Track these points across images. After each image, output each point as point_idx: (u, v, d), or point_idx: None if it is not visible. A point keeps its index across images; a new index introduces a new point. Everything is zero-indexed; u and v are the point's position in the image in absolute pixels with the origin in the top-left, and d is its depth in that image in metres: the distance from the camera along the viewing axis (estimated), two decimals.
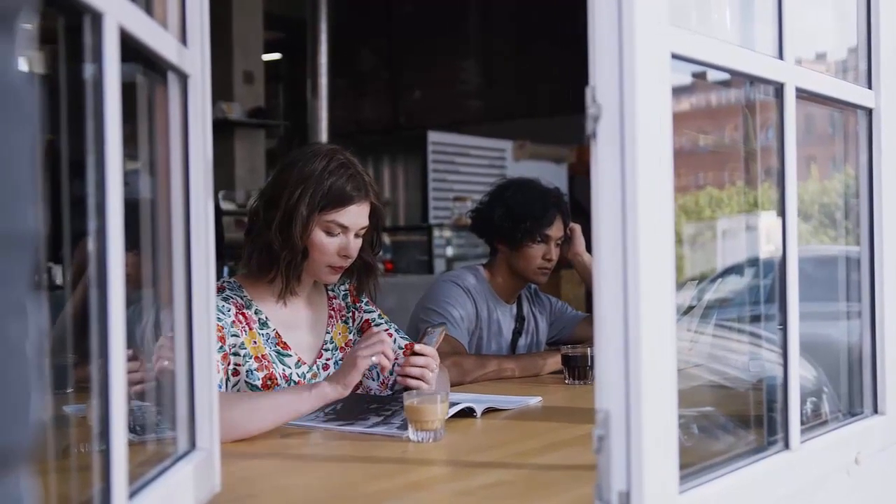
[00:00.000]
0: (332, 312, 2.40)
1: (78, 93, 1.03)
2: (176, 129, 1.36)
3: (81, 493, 1.20)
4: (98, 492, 1.02)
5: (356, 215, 2.22)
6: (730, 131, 2.02)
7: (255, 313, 2.23)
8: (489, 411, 2.19)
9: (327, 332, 2.36)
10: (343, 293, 2.44)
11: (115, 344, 1.02)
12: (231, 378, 2.13)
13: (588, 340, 2.95)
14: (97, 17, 1.00)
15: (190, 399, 1.37)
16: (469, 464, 1.76)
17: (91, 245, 1.02)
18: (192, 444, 1.37)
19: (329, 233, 2.20)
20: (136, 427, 1.39)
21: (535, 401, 2.36)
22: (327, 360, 2.33)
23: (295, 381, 2.23)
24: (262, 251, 2.22)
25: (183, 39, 1.35)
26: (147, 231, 1.36)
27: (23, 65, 0.58)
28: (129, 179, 1.11)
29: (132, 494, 1.10)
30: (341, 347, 2.37)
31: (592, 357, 2.64)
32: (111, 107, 1.02)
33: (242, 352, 2.16)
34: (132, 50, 1.12)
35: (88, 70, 1.02)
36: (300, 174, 2.19)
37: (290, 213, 2.17)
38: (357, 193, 2.22)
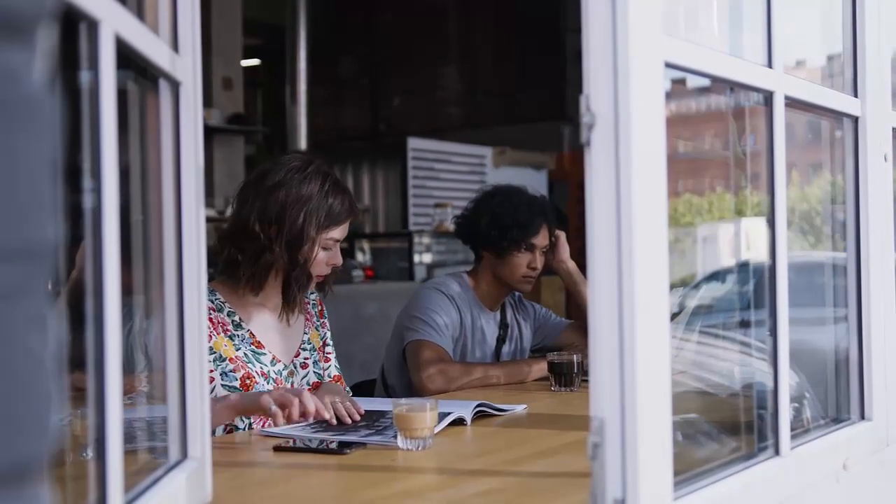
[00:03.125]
0: (308, 315, 2.49)
1: (73, 100, 1.02)
2: (167, 136, 1.35)
3: (71, 502, 1.19)
4: (93, 501, 1.02)
5: (347, 228, 2.36)
6: (709, 138, 2.03)
7: (228, 315, 2.30)
8: (479, 417, 2.20)
9: (305, 333, 2.45)
10: (312, 302, 2.53)
11: (111, 354, 1.01)
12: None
13: (572, 347, 2.96)
14: (93, 25, 0.99)
15: (182, 408, 1.36)
16: (459, 472, 1.75)
17: (87, 252, 1.01)
18: (184, 454, 1.37)
19: (325, 248, 2.32)
20: (125, 435, 1.38)
21: (521, 408, 2.36)
22: (305, 358, 2.42)
23: (273, 379, 2.30)
24: (265, 270, 2.28)
25: (175, 46, 1.35)
26: (137, 239, 1.35)
27: (42, 74, 0.58)
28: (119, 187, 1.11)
29: None
30: (319, 348, 2.47)
31: (578, 364, 2.66)
32: (107, 114, 1.01)
33: (212, 356, 2.20)
34: (124, 57, 1.12)
35: (84, 77, 1.02)
36: (298, 195, 2.26)
37: (298, 236, 2.25)
38: (353, 210, 2.35)
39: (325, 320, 2.54)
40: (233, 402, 2.03)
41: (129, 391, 1.49)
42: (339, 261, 2.36)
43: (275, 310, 2.37)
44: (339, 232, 2.33)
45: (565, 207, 7.52)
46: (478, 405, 2.21)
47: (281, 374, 2.33)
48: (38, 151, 0.56)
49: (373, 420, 2.15)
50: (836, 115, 1.84)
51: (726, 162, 1.92)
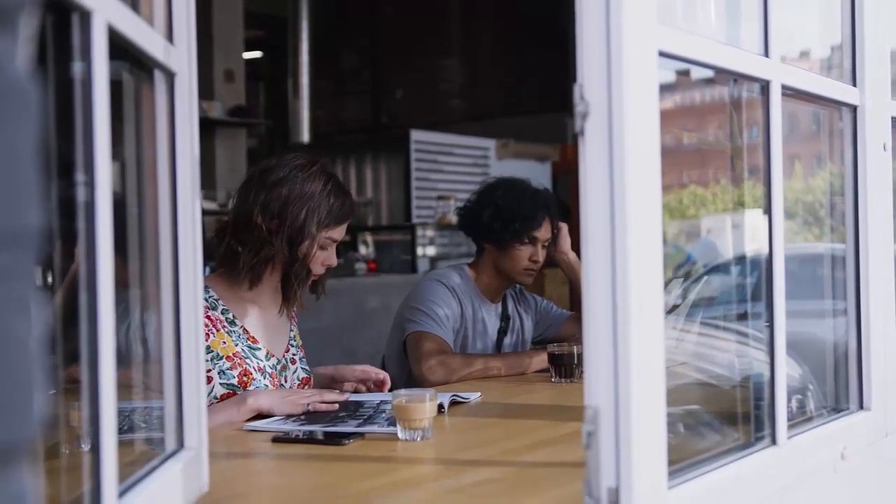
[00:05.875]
0: (293, 313, 2.52)
1: (65, 91, 1.02)
2: (163, 127, 1.35)
3: (69, 493, 1.19)
4: (87, 491, 1.02)
5: (344, 230, 2.40)
6: (713, 129, 2.02)
7: (222, 313, 2.32)
8: (454, 404, 2.26)
9: (291, 330, 2.49)
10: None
11: (105, 345, 1.01)
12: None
13: (573, 339, 2.96)
14: (86, 15, 0.99)
15: (178, 398, 1.37)
16: (458, 462, 1.76)
17: (79, 246, 1.01)
18: (181, 444, 1.37)
19: (322, 247, 2.34)
20: (123, 426, 1.38)
21: (475, 396, 2.41)
22: (293, 354, 2.47)
23: (269, 374, 2.33)
24: (264, 263, 2.30)
25: (170, 37, 1.35)
26: (133, 231, 1.35)
27: (24, 61, 0.58)
28: (114, 179, 1.11)
29: (121, 494, 1.10)
30: (301, 346, 2.52)
31: (579, 355, 2.66)
32: (100, 105, 1.01)
33: (209, 355, 2.23)
34: (118, 48, 1.12)
35: (76, 68, 1.02)
36: (301, 192, 2.29)
37: (299, 232, 2.28)
38: (353, 211, 2.39)
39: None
40: (255, 407, 2.13)
41: (128, 384, 1.49)
42: (334, 262, 2.40)
43: (266, 307, 2.41)
44: (337, 232, 2.36)
45: (569, 199, 7.52)
46: (452, 400, 2.26)
47: (275, 368, 2.37)
48: (21, 139, 0.56)
49: (353, 410, 2.16)
50: (835, 105, 1.84)
51: (731, 153, 1.92)
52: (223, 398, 2.22)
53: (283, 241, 2.28)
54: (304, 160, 2.36)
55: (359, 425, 2.00)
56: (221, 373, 2.24)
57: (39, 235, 0.59)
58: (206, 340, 2.22)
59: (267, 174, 2.32)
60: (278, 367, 2.38)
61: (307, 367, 2.50)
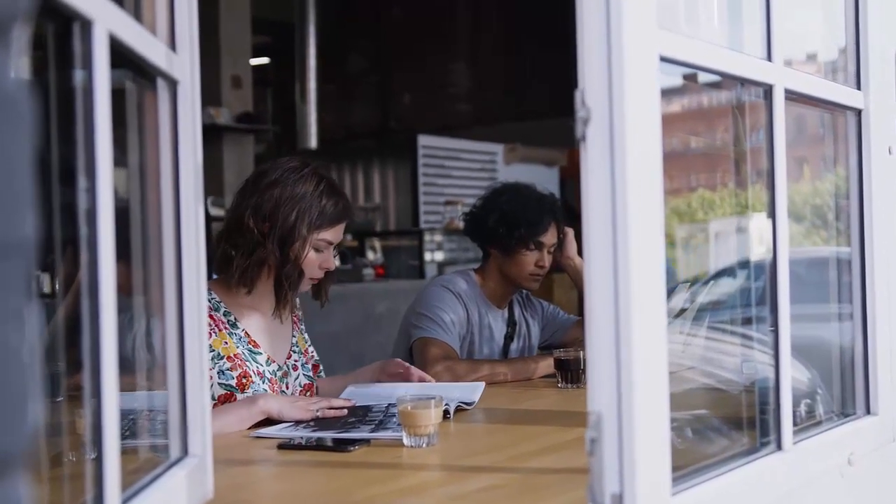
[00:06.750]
0: (295, 320, 2.53)
1: (67, 99, 1.03)
2: (165, 135, 1.36)
3: (73, 501, 1.20)
4: (91, 499, 1.02)
5: (341, 232, 2.39)
6: (721, 133, 2.02)
7: (224, 315, 2.33)
8: (459, 410, 2.26)
9: (293, 336, 2.49)
10: (298, 308, 2.58)
11: (107, 352, 1.01)
12: None
13: (580, 344, 2.96)
14: (87, 24, 1.00)
15: (182, 405, 1.37)
16: (463, 468, 1.75)
17: (82, 253, 1.01)
18: (185, 451, 1.37)
19: (317, 249, 2.34)
20: (126, 433, 1.39)
21: (479, 388, 2.42)
22: (295, 361, 2.47)
23: (268, 378, 2.34)
24: (257, 265, 2.30)
25: (172, 45, 1.35)
26: (137, 239, 1.36)
27: (19, 72, 0.58)
28: (117, 186, 1.11)
29: (125, 502, 1.10)
30: (304, 352, 2.51)
31: (585, 360, 2.65)
32: (101, 113, 1.02)
33: (210, 354, 2.23)
34: (121, 56, 1.12)
35: (78, 76, 1.02)
36: (293, 194, 2.29)
37: (290, 233, 2.28)
38: (347, 213, 2.38)
39: (303, 325, 2.59)
40: (265, 410, 2.12)
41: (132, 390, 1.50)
42: (332, 265, 2.38)
43: (266, 312, 2.40)
44: (331, 234, 2.34)
45: (577, 205, 7.51)
46: (457, 406, 2.25)
47: (276, 374, 2.37)
48: (15, 149, 0.57)
49: (362, 416, 2.16)
50: (839, 109, 1.83)
51: (739, 157, 1.91)
52: (221, 399, 2.22)
53: (274, 242, 2.28)
54: (297, 162, 2.36)
55: (371, 431, 2.00)
56: (221, 373, 2.24)
57: (35, 245, 0.59)
58: (208, 339, 2.22)
59: (261, 178, 2.34)
60: (279, 374, 2.38)
61: (310, 374, 2.50)
